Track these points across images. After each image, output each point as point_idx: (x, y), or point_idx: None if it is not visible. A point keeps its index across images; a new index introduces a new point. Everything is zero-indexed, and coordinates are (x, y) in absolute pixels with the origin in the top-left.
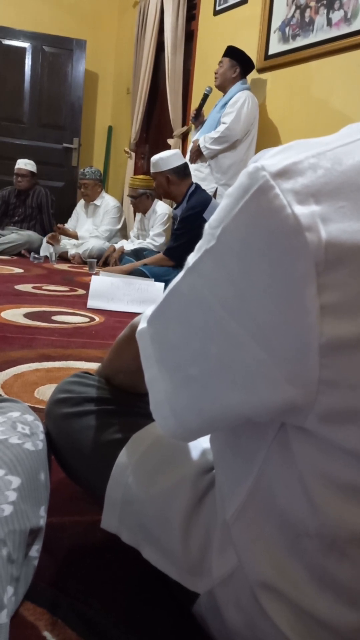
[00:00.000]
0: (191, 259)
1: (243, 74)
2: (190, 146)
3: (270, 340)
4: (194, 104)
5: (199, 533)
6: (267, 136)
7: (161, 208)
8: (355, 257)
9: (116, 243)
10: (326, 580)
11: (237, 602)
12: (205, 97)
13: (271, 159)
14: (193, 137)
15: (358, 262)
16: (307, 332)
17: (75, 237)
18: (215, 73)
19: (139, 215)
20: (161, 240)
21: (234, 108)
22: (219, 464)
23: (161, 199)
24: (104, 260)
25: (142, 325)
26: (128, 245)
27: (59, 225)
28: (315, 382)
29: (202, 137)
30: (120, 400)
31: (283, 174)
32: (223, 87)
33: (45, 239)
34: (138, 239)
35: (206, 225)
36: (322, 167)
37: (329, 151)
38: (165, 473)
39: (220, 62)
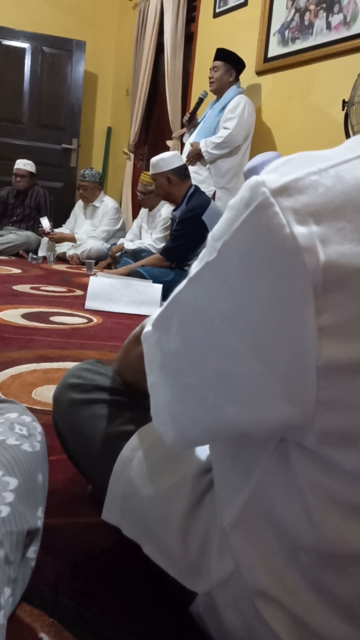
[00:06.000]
0: (194, 268)
1: (237, 77)
2: (186, 148)
3: (268, 355)
4: (193, 106)
5: (199, 533)
6: (263, 139)
7: (166, 211)
8: (354, 280)
9: (114, 244)
10: (323, 593)
11: (235, 605)
12: (200, 101)
13: (272, 174)
14: (186, 139)
15: (357, 285)
16: (305, 352)
17: (73, 240)
18: (210, 78)
19: (143, 211)
20: (162, 244)
21: (235, 113)
22: (218, 472)
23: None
24: (104, 266)
25: (148, 328)
26: (128, 244)
27: (53, 235)
28: (312, 402)
29: (204, 141)
30: (131, 393)
31: (283, 191)
32: (219, 92)
33: (47, 239)
34: (139, 238)
35: (209, 236)
36: (324, 185)
37: (331, 168)
38: (167, 471)
39: (214, 67)
